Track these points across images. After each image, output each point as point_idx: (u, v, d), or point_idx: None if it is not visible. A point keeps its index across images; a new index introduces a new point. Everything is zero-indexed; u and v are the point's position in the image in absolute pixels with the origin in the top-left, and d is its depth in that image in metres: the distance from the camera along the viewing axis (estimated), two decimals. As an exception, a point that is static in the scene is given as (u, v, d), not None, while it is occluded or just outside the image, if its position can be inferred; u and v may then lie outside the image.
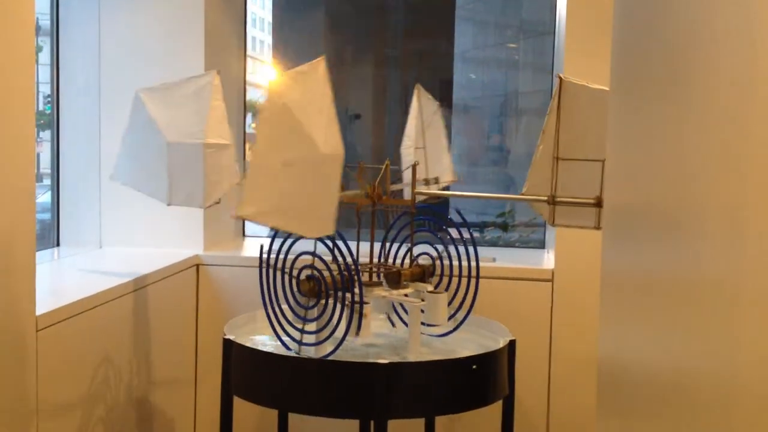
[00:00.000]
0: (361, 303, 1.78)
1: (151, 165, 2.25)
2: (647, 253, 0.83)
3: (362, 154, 4.00)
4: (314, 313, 1.82)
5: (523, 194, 2.07)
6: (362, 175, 2.02)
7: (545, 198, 1.99)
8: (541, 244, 3.18)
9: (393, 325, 2.13)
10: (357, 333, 1.76)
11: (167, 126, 2.21)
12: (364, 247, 2.03)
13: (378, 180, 2.02)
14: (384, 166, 2.04)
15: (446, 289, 2.02)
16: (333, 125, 1.78)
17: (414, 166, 2.08)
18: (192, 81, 2.27)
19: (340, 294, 1.80)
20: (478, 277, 2.02)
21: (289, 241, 1.84)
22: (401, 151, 2.34)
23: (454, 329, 2.03)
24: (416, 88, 2.36)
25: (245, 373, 1.89)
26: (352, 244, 1.86)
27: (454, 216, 2.15)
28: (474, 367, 1.81)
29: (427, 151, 2.30)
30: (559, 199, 1.99)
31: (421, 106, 2.32)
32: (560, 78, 1.99)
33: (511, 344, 1.97)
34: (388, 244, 2.11)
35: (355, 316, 1.76)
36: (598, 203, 1.90)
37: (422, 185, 2.18)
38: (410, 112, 2.32)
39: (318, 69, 1.80)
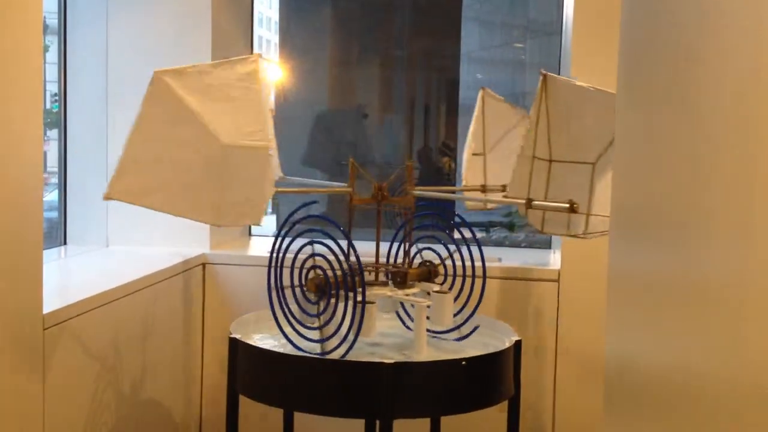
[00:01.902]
0: (362, 302, 1.78)
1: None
2: (654, 255, 0.83)
3: (368, 153, 4.00)
4: (321, 313, 1.82)
5: (504, 196, 1.92)
6: (359, 173, 2.01)
7: (523, 200, 1.81)
8: (547, 245, 3.17)
9: (407, 327, 2.12)
10: (358, 332, 1.77)
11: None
12: (371, 246, 2.03)
13: (390, 180, 2.02)
14: (406, 166, 2.05)
15: (450, 288, 2.02)
16: (258, 119, 1.77)
17: (410, 166, 2.08)
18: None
19: (345, 293, 1.80)
20: (484, 277, 2.02)
21: (295, 241, 1.84)
22: (464, 155, 2.33)
23: (469, 334, 2.02)
24: (482, 90, 2.23)
25: (251, 372, 1.90)
26: (357, 244, 1.86)
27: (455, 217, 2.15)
28: (463, 362, 1.81)
29: (494, 158, 2.26)
30: (536, 203, 1.80)
31: (485, 110, 2.23)
32: (543, 74, 1.87)
33: (517, 345, 1.97)
34: (394, 244, 2.11)
35: (358, 315, 1.77)
36: (573, 208, 1.72)
37: (477, 191, 2.16)
38: (474, 116, 2.29)
39: (251, 65, 1.81)
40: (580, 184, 1.82)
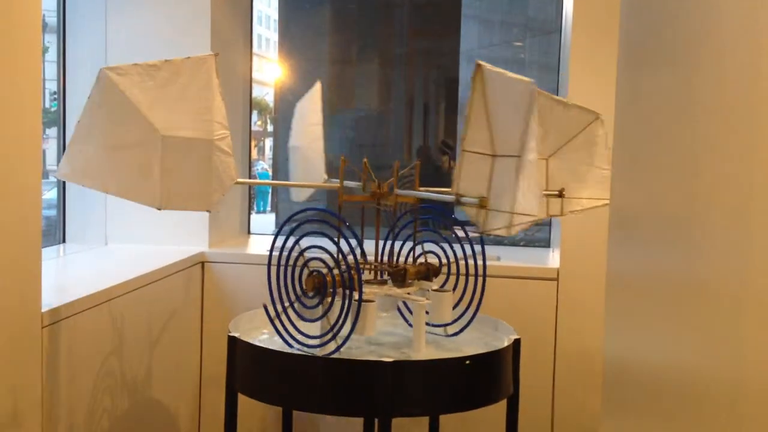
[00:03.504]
0: (360, 300, 1.78)
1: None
2: (653, 254, 0.83)
3: (367, 152, 4.00)
4: (319, 311, 1.82)
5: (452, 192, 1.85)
6: (344, 169, 2.01)
7: (452, 197, 1.78)
8: (546, 243, 3.17)
9: (410, 324, 2.12)
10: (352, 328, 1.77)
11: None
12: (370, 245, 2.03)
13: (389, 180, 2.02)
14: (395, 166, 2.05)
15: (454, 288, 2.02)
16: (205, 113, 1.93)
17: (417, 165, 2.08)
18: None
19: (344, 291, 1.80)
20: (485, 275, 2.02)
21: (292, 240, 1.84)
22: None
23: (462, 330, 2.03)
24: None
25: (250, 370, 1.90)
26: (355, 242, 1.86)
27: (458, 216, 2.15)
28: (467, 362, 1.80)
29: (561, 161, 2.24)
30: (463, 199, 1.77)
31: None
32: (477, 63, 1.77)
33: (516, 343, 1.97)
34: (393, 243, 2.11)
35: (353, 312, 1.77)
36: (483, 204, 1.70)
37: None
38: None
39: (203, 63, 1.96)
40: (509, 178, 1.73)
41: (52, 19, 2.79)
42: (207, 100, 1.94)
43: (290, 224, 1.86)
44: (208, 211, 2.02)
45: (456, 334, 2.02)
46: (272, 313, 1.87)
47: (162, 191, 1.90)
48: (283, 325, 1.87)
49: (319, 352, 1.80)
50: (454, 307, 1.99)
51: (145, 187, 1.91)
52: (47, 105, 2.88)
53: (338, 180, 2.03)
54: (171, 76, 1.94)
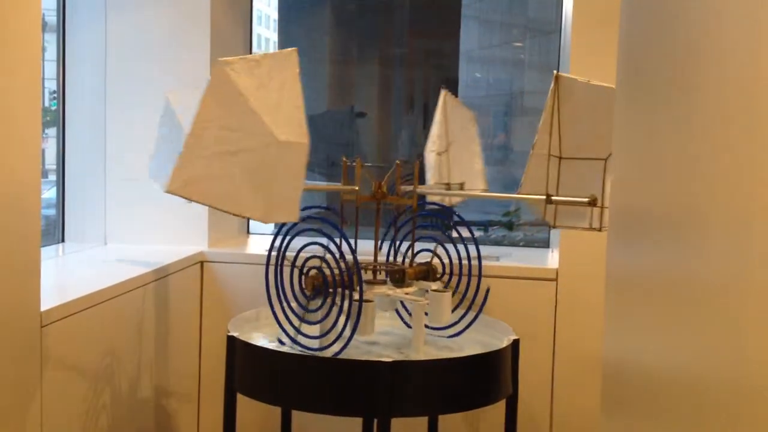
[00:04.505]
0: (361, 300, 1.78)
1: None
2: (653, 254, 0.83)
3: (367, 153, 4.00)
4: (318, 309, 1.82)
5: (519, 193, 2.02)
6: (361, 171, 2.02)
7: (542, 196, 1.90)
8: (545, 244, 3.17)
9: (408, 325, 2.12)
10: (354, 329, 1.77)
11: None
12: (370, 245, 2.03)
13: (386, 179, 2.02)
14: (395, 166, 2.05)
15: (446, 286, 2.02)
16: (299, 114, 1.72)
17: (416, 165, 2.08)
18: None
19: (344, 291, 1.80)
20: (480, 276, 2.02)
21: (294, 239, 1.84)
22: (425, 155, 2.37)
23: (463, 330, 2.03)
24: (443, 92, 2.34)
25: (249, 370, 1.90)
26: (356, 242, 1.86)
27: (455, 216, 2.15)
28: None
29: (453, 156, 2.31)
30: (556, 198, 1.90)
31: (447, 111, 2.32)
32: (556, 75, 1.97)
33: (515, 343, 1.97)
34: (394, 242, 2.11)
35: (354, 313, 1.77)
36: (593, 202, 1.83)
37: (443, 188, 2.22)
38: (435, 116, 2.34)
39: (288, 59, 1.74)
40: (591, 180, 1.95)
41: (52, 19, 2.79)
42: (298, 99, 1.74)
43: (288, 225, 1.86)
44: (295, 222, 1.82)
45: (456, 335, 2.02)
46: (279, 314, 1.87)
47: (267, 202, 1.71)
48: (290, 324, 1.87)
49: (319, 344, 1.81)
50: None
51: (252, 198, 1.70)
52: (47, 104, 2.88)
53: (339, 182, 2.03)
54: (269, 72, 1.72)
